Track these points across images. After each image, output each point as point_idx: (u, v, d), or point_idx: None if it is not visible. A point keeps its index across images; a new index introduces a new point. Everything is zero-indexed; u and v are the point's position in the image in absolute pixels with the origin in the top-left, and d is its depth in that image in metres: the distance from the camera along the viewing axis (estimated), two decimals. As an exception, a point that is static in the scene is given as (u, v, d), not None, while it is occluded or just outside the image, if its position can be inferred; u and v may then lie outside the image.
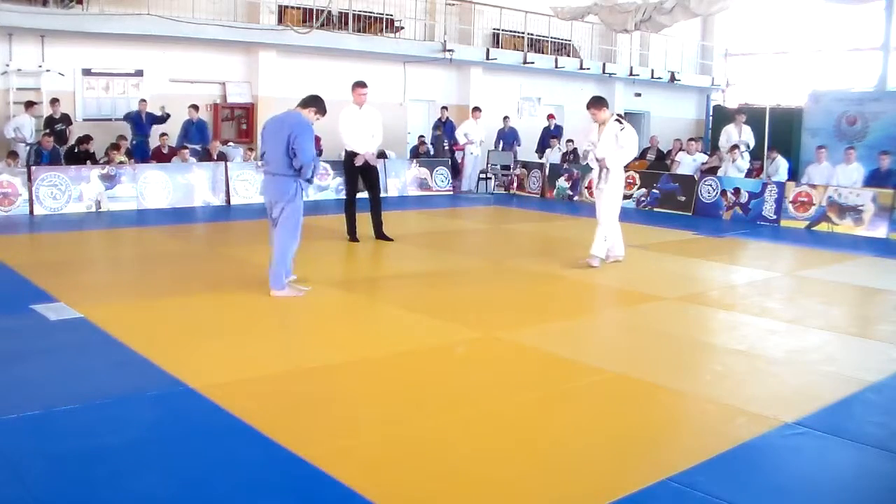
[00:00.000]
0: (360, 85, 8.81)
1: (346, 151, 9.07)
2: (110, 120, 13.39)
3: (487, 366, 4.77)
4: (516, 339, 5.24)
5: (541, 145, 16.95)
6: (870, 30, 18.94)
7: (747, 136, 13.70)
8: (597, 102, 7.95)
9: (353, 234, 9.06)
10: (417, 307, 6.07)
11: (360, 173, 9.05)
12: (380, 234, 9.20)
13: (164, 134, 13.06)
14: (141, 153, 12.96)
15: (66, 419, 3.66)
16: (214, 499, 2.99)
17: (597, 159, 7.93)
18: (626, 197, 12.71)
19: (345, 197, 9.42)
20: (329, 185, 13.61)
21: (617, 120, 8.01)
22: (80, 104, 13.36)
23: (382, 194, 9.88)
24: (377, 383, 4.41)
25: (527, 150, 16.82)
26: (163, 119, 13.22)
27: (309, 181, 6.20)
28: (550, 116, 17.48)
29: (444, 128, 16.04)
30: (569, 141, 16.59)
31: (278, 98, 13.95)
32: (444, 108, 16.46)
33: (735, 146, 13.39)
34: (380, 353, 4.88)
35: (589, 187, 14.36)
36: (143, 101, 13.26)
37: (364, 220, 9.13)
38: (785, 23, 21.99)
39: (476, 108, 15.75)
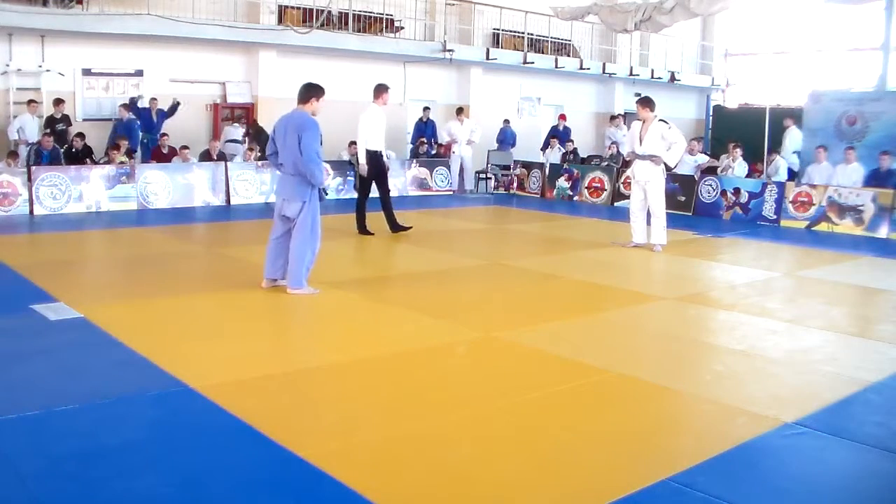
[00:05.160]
0: (388, 89, 9.45)
1: (373, 151, 9.40)
2: (110, 120, 13.38)
3: (487, 366, 4.77)
4: (516, 339, 5.24)
5: (546, 143, 16.92)
6: (870, 30, 18.94)
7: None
8: (647, 102, 8.92)
9: (364, 228, 9.57)
10: (417, 307, 6.07)
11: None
12: (396, 227, 9.65)
13: (164, 134, 13.06)
14: (148, 152, 12.98)
15: (66, 419, 3.66)
16: (214, 499, 2.99)
17: (638, 155, 8.87)
18: (624, 197, 12.75)
19: (357, 196, 9.86)
20: (329, 185, 13.59)
21: (662, 120, 8.93)
22: (80, 104, 13.36)
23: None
24: (377, 383, 4.40)
25: (527, 150, 16.80)
26: (174, 109, 13.21)
27: (318, 185, 6.24)
28: (562, 117, 17.39)
29: (425, 128, 15.95)
30: (569, 141, 16.57)
31: (278, 98, 13.93)
32: (427, 108, 16.34)
33: (736, 145, 13.39)
34: (380, 353, 4.88)
35: (589, 187, 14.42)
36: (154, 99, 13.28)
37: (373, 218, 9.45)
38: (785, 23, 22.00)
39: (460, 109, 15.93)
